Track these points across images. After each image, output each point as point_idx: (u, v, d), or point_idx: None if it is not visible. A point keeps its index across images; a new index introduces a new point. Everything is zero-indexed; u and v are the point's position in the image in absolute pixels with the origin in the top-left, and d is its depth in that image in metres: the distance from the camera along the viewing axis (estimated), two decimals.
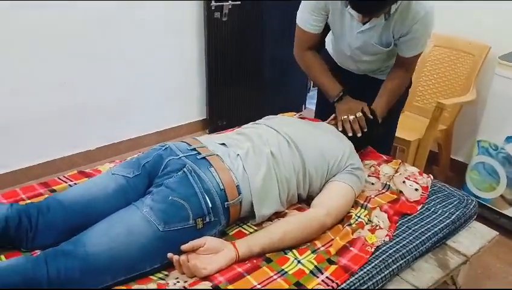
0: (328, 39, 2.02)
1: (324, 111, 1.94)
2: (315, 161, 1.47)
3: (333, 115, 1.82)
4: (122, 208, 1.23)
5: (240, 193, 1.31)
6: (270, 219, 1.41)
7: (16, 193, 1.44)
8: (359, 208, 1.51)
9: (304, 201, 1.52)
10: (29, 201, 1.38)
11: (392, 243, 1.38)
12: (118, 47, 2.69)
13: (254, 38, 3.21)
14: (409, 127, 2.46)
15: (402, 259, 1.34)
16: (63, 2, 2.37)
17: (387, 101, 1.81)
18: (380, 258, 1.31)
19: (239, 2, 2.96)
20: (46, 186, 1.49)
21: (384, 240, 1.38)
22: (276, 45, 3.24)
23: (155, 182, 1.32)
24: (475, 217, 1.64)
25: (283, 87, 3.50)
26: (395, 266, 1.32)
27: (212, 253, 1.20)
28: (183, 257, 1.16)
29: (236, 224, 1.40)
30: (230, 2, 2.92)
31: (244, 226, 1.40)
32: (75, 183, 1.50)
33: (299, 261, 1.25)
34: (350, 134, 1.68)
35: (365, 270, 1.26)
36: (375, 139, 1.82)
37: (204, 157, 1.34)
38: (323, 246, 1.33)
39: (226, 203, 1.28)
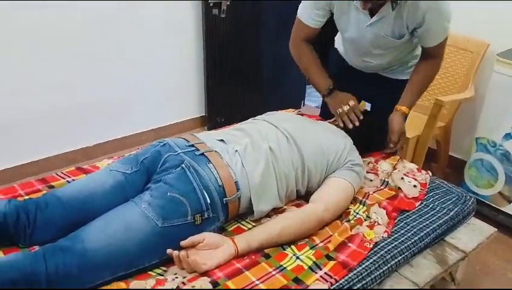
0: (338, 38, 1.99)
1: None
2: (314, 157, 1.47)
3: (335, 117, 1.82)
4: (121, 205, 1.23)
5: (238, 189, 1.31)
6: (269, 215, 1.41)
7: (14, 189, 1.44)
8: (358, 204, 1.51)
9: (303, 197, 1.52)
10: (27, 197, 1.38)
11: (390, 239, 1.38)
12: (116, 46, 2.68)
13: (252, 35, 3.20)
14: (408, 124, 2.44)
15: (400, 255, 1.34)
16: (63, 2, 2.36)
17: (412, 93, 1.77)
18: (379, 254, 1.31)
19: None
20: (44, 183, 1.48)
21: (382, 236, 1.38)
22: (275, 42, 3.23)
23: (153, 178, 1.32)
24: (473, 213, 1.64)
25: (282, 84, 3.49)
26: (393, 262, 1.32)
27: (211, 248, 1.20)
28: (183, 253, 1.17)
29: (235, 220, 1.40)
30: None
31: (243, 222, 1.40)
32: (73, 180, 1.50)
33: (297, 257, 1.25)
34: (350, 126, 1.68)
35: (363, 266, 1.26)
36: (377, 134, 1.81)
37: (202, 154, 1.34)
38: (321, 242, 1.33)
39: (224, 199, 1.28)
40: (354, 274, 1.23)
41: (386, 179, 1.66)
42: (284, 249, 1.28)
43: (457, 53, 2.54)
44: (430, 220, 1.49)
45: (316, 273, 1.20)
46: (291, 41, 1.85)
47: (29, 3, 2.24)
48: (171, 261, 1.19)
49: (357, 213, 1.46)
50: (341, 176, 1.48)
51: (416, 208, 1.55)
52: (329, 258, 1.26)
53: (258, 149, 1.40)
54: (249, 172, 1.34)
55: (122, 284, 1.12)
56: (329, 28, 1.83)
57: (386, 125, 1.76)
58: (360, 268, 1.25)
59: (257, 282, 1.16)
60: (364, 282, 1.23)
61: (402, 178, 1.67)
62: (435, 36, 1.65)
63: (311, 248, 1.30)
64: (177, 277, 1.15)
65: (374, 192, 1.59)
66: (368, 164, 1.75)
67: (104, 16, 2.56)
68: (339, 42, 1.99)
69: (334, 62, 2.04)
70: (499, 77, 2.11)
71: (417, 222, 1.48)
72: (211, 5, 2.86)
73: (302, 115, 1.79)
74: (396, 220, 1.47)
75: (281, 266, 1.22)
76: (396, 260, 1.33)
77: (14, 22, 2.27)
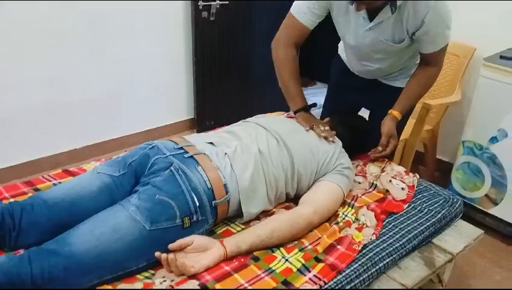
0: (341, 45, 1.96)
1: (332, 108, 1.93)
2: (304, 160, 1.47)
3: (327, 118, 1.82)
4: (108, 207, 1.22)
5: (227, 192, 1.31)
6: (258, 217, 1.41)
7: (0, 191, 1.42)
8: (346, 206, 1.52)
9: (292, 200, 1.52)
10: (12, 200, 1.36)
11: (378, 241, 1.39)
12: (105, 47, 2.66)
13: (242, 38, 3.20)
14: None
15: (389, 257, 1.35)
16: (53, 1, 2.34)
17: (406, 99, 1.75)
18: (367, 257, 1.32)
19: (227, 2, 2.95)
20: (30, 185, 1.46)
21: (371, 239, 1.39)
22: (264, 45, 3.21)
23: (141, 181, 1.30)
24: (460, 215, 1.66)
25: (271, 87, 3.48)
26: (381, 264, 1.32)
27: (200, 251, 1.19)
28: (171, 256, 1.15)
29: (224, 223, 1.39)
30: (217, 1, 2.91)
31: (232, 225, 1.39)
32: (60, 183, 1.48)
33: (286, 260, 1.25)
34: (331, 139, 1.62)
35: (352, 268, 1.26)
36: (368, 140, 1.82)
37: (191, 156, 1.33)
38: (310, 244, 1.33)
39: (213, 202, 1.28)
40: (343, 276, 1.23)
41: (375, 182, 1.67)
42: (273, 252, 1.28)
43: (444, 57, 2.57)
44: (418, 223, 1.50)
45: (305, 275, 1.20)
46: (280, 40, 1.75)
47: None
48: (159, 264, 1.18)
49: (346, 215, 1.47)
50: (331, 180, 1.49)
51: (404, 211, 1.56)
52: (318, 260, 1.26)
53: (248, 152, 1.40)
54: (238, 175, 1.33)
55: (110, 288, 1.10)
56: (331, 35, 1.82)
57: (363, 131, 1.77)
58: (349, 270, 1.25)
59: (246, 285, 1.15)
60: (353, 284, 1.24)
61: (390, 181, 1.68)
62: (433, 41, 1.60)
63: (300, 250, 1.30)
64: (165, 280, 1.14)
65: (362, 194, 1.60)
66: (357, 166, 1.76)
67: (94, 17, 2.54)
68: (341, 49, 1.98)
69: (337, 69, 2.03)
70: (485, 81, 2.14)
71: (405, 224, 1.49)
72: (201, 7, 2.86)
73: (292, 117, 1.79)
74: (384, 223, 1.48)
75: (270, 268, 1.21)
76: (384, 262, 1.33)
77: (1, 19, 2.24)
